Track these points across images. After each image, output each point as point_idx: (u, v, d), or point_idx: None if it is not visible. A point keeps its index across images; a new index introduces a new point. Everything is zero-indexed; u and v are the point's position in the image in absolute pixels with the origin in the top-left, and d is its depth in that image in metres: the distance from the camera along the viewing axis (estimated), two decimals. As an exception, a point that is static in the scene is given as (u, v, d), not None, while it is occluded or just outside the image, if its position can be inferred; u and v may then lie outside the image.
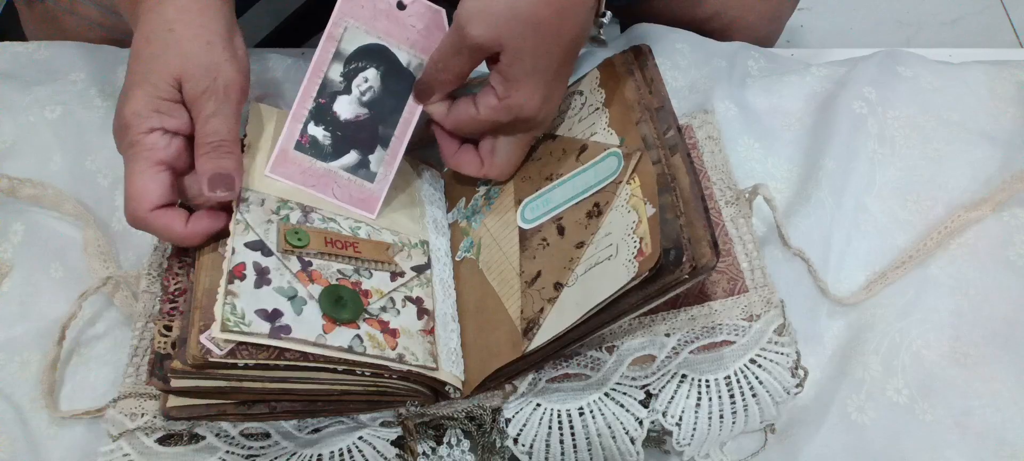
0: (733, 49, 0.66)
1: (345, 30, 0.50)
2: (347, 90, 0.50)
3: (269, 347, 0.41)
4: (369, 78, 0.50)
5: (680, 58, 0.64)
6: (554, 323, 0.44)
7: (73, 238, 0.55)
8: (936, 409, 0.50)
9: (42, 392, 0.48)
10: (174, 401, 0.43)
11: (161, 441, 0.44)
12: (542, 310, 0.45)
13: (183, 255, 0.47)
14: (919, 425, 0.50)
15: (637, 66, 0.51)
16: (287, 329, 0.42)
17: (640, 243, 0.42)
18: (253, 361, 0.40)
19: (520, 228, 0.50)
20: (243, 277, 0.43)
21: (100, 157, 0.58)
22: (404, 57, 0.51)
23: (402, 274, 0.48)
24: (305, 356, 0.41)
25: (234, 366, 0.40)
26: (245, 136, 0.50)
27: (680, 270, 0.41)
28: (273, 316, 0.42)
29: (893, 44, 0.66)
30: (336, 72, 0.50)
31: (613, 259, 0.43)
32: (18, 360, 0.50)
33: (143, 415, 0.44)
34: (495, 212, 0.52)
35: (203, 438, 0.44)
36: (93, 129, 0.59)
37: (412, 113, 0.51)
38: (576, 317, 0.42)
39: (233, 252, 0.44)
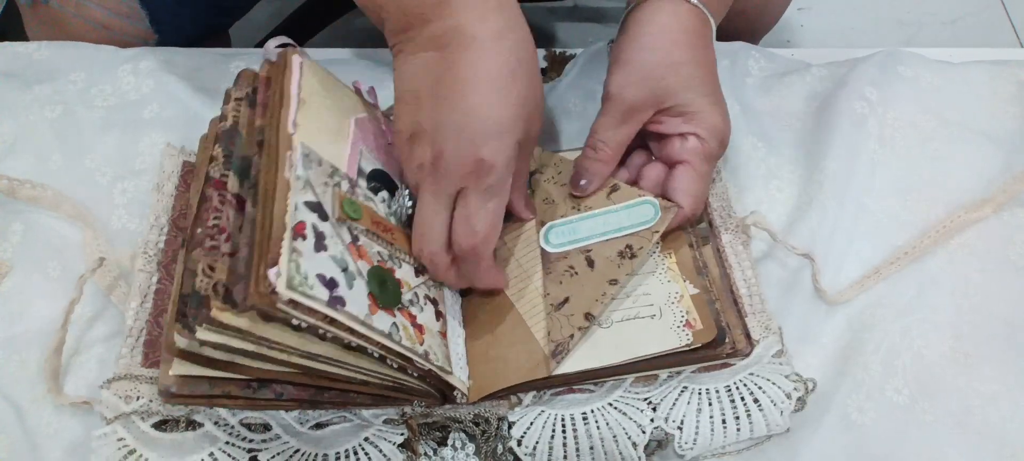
0: (734, 49, 0.66)
1: (361, 152, 0.49)
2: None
3: (319, 314, 0.39)
4: (385, 197, 0.49)
5: (680, 58, 0.64)
6: (587, 356, 0.46)
7: (72, 238, 0.55)
8: (936, 409, 0.50)
9: (46, 376, 0.48)
10: (178, 368, 0.40)
11: (157, 426, 0.43)
12: (572, 336, 0.46)
13: (222, 188, 0.44)
14: (919, 425, 0.49)
15: None
16: (342, 301, 0.40)
17: (687, 315, 0.47)
18: (309, 320, 0.38)
19: (543, 249, 0.51)
20: (305, 236, 0.40)
21: (99, 156, 0.58)
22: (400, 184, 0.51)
23: (424, 270, 0.48)
24: (350, 331, 0.40)
25: (288, 322, 0.38)
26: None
27: (722, 348, 0.46)
28: (331, 284, 0.40)
29: (893, 44, 0.66)
30: (362, 184, 0.48)
31: (657, 319, 0.47)
32: (17, 359, 0.50)
33: (138, 398, 0.42)
34: (511, 226, 0.53)
35: (201, 425, 0.42)
36: (93, 129, 0.59)
37: None
38: (615, 360, 0.45)
39: (296, 208, 0.40)
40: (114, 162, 0.58)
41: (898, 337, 0.52)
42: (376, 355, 0.41)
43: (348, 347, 0.40)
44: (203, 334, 0.38)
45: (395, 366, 0.42)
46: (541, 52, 0.69)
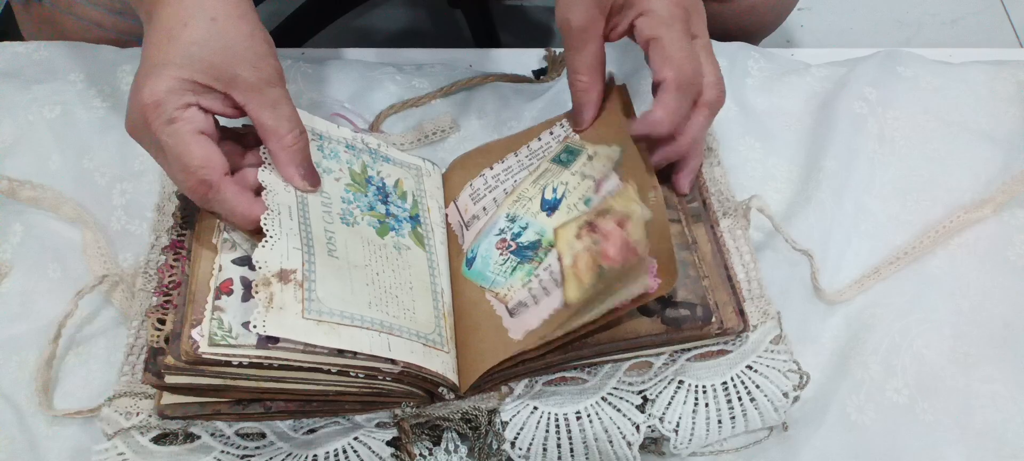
0: (733, 49, 0.66)
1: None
2: None
3: (252, 356, 0.41)
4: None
5: (680, 58, 0.64)
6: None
7: (72, 239, 0.55)
8: (936, 409, 0.50)
9: (36, 389, 0.48)
10: (168, 398, 0.43)
11: (156, 440, 0.44)
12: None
13: (178, 248, 0.47)
14: (919, 425, 0.49)
15: None
16: (275, 339, 0.41)
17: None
18: (247, 359, 0.40)
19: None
20: (230, 292, 0.43)
21: (98, 156, 0.58)
22: None
23: None
24: (288, 364, 0.41)
25: (227, 364, 0.40)
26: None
27: (709, 327, 0.45)
28: None
29: (893, 44, 0.66)
30: None
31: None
32: (16, 360, 0.50)
33: (138, 414, 0.44)
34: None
35: (198, 437, 0.43)
36: (92, 129, 0.59)
37: None
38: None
39: (220, 269, 0.43)
40: (113, 163, 0.58)
41: (898, 337, 0.52)
42: (334, 371, 0.42)
43: (301, 368, 0.42)
44: (171, 378, 0.41)
45: (361, 376, 0.42)
46: (541, 52, 0.69)
